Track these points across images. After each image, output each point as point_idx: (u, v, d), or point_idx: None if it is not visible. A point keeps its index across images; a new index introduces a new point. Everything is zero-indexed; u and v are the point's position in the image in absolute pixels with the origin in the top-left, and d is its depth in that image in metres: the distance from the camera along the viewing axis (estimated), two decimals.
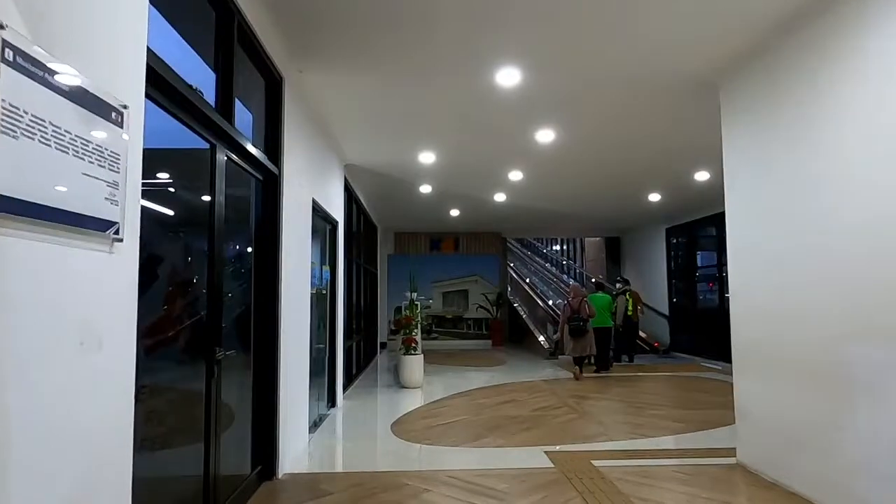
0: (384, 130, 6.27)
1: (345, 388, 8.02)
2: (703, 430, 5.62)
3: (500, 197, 10.22)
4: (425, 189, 9.67)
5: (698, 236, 12.51)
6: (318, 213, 6.01)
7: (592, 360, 10.10)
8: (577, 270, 20.34)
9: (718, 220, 11.33)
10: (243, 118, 4.10)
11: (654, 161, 7.60)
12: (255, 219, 4.13)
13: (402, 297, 15.95)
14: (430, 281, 16.00)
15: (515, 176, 8.43)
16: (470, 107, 5.45)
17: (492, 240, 16.24)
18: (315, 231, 6.64)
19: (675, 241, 13.41)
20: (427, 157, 7.29)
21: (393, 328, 15.82)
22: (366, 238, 11.36)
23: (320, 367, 6.57)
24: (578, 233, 18.16)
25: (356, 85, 4.92)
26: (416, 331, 8.88)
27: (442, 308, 16.07)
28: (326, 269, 6.69)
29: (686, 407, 6.78)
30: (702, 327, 12.04)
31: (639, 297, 11.95)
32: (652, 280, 13.92)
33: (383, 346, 15.51)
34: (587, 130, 6.27)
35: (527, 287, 17.56)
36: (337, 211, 6.93)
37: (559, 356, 11.97)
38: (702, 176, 8.43)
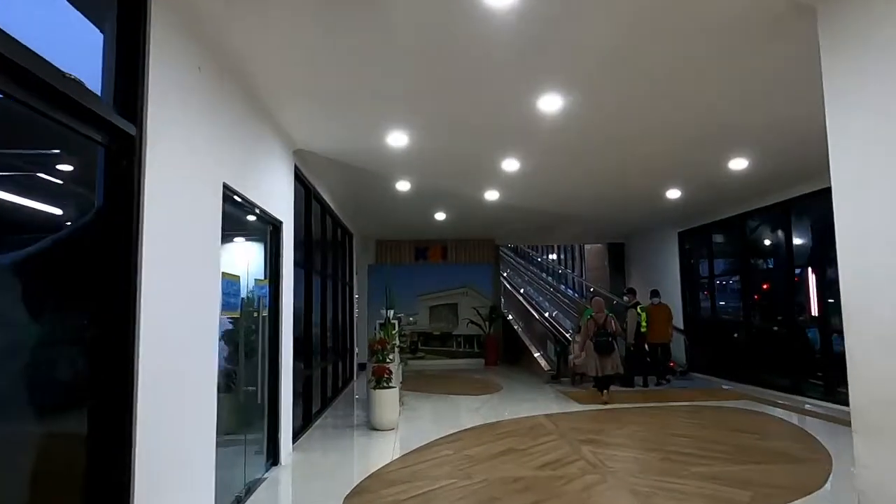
0: (336, 95, 4.70)
1: (299, 432, 6.37)
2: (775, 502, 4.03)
3: (491, 195, 8.66)
4: (403, 186, 8.10)
5: (717, 240, 11.00)
6: (243, 207, 4.40)
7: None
8: (576, 280, 18.80)
9: (742, 220, 9.84)
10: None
11: (685, 142, 6.07)
12: (98, 204, 2.54)
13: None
14: (415, 294, 14.42)
15: (510, 165, 6.87)
16: (448, 51, 3.89)
17: (483, 248, 14.68)
18: (246, 232, 5.05)
19: (688, 246, 11.90)
20: (398, 139, 5.72)
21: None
22: (336, 246, 9.76)
23: (253, 414, 4.93)
24: (578, 239, 16.63)
25: (282, 23, 3.35)
26: (391, 356, 7.26)
27: (429, 324, 14.46)
28: (264, 283, 5.08)
29: (737, 458, 5.20)
30: (723, 344, 10.50)
31: (670, 312, 10.41)
32: (662, 290, 12.31)
33: (362, 367, 13.86)
34: (606, 94, 4.73)
35: (522, 299, 15.98)
36: (280, 207, 5.33)
37: (562, 378, 10.39)
38: (737, 164, 6.91)
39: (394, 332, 7.82)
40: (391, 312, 8.36)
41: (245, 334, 4.54)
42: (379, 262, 14.44)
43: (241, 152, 4.22)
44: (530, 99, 4.71)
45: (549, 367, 10.65)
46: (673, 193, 8.70)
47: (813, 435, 6.04)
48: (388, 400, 6.75)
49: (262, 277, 5.13)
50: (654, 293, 10.65)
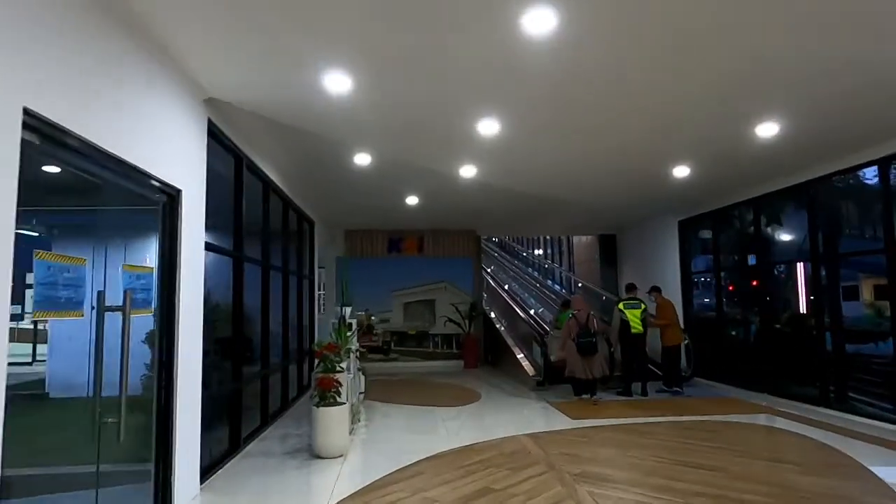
0: (247, 12, 3.34)
1: (221, 462, 5.03)
2: None
3: (467, 171, 7.34)
4: (362, 159, 6.77)
5: (726, 228, 9.80)
6: (96, 162, 3.03)
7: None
8: (564, 275, 17.58)
9: (755, 206, 8.64)
10: None
11: (705, 91, 4.79)
12: None
13: (355, 308, 13.00)
14: (388, 289, 13.09)
15: (488, 128, 5.56)
16: None
17: (464, 239, 13.36)
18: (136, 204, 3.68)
19: (692, 236, 10.70)
20: (338, 83, 4.37)
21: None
22: (289, 234, 8.38)
23: (127, 453, 3.57)
24: (567, 230, 15.36)
25: None
26: (342, 366, 5.92)
27: (403, 322, 13.13)
28: (147, 270, 3.71)
29: None
30: (733, 346, 9.31)
31: (671, 308, 9.25)
32: (660, 286, 11.16)
33: None
34: (608, 16, 3.43)
35: (506, 296, 14.72)
36: (176, 171, 3.96)
37: (548, 385, 9.12)
38: (766, 130, 5.66)
39: (349, 334, 6.47)
40: (348, 310, 7.02)
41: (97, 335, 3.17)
42: (349, 255, 13.07)
43: (82, 74, 2.85)
44: (510, 14, 3.39)
45: (534, 373, 9.37)
46: (680, 171, 7.43)
47: (862, 464, 4.83)
48: (334, 420, 5.41)
49: (144, 264, 3.76)
50: (656, 289, 9.43)
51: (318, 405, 5.39)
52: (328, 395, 5.45)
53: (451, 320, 12.87)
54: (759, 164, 7.08)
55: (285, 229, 8.13)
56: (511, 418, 7.12)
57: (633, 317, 8.61)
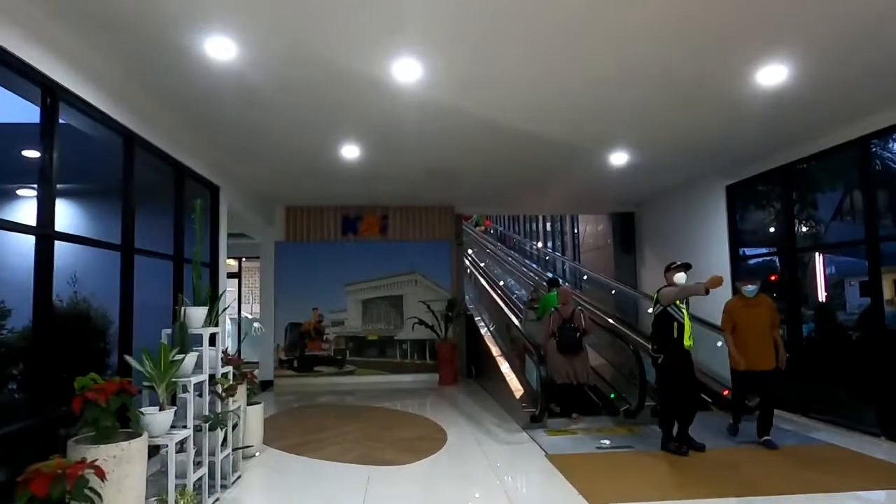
0: None
1: None
2: None
3: (413, 75, 4.37)
4: (222, 52, 3.84)
5: (807, 191, 6.88)
6: None
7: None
8: (569, 265, 14.67)
9: (862, 148, 5.71)
10: None
11: None
12: None
13: (300, 306, 10.11)
14: (341, 282, 10.17)
15: None
16: None
17: (439, 218, 10.43)
18: None
19: (748, 206, 7.79)
20: None
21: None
22: (153, 198, 5.46)
23: None
24: (571, 206, 12.34)
25: None
26: (151, 418, 3.00)
27: (361, 325, 10.20)
28: None
29: None
30: (818, 359, 6.38)
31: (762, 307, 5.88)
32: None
33: (268, 385, 9.64)
34: None
35: (494, 292, 11.76)
36: None
37: (549, 419, 6.20)
38: None
39: (174, 358, 3.52)
40: (197, 312, 4.04)
41: None
42: (290, 239, 10.14)
43: None
44: None
45: (525, 404, 6.40)
46: (772, 74, 4.48)
47: None
48: None
49: None
50: (751, 275, 6.42)
51: None
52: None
53: (421, 322, 9.93)
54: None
55: (155, 196, 5.22)
56: (489, 490, 4.21)
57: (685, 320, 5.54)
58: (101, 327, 5.00)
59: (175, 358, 3.45)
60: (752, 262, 7.63)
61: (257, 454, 5.30)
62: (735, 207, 7.78)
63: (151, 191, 5.84)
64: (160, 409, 3.40)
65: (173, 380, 3.46)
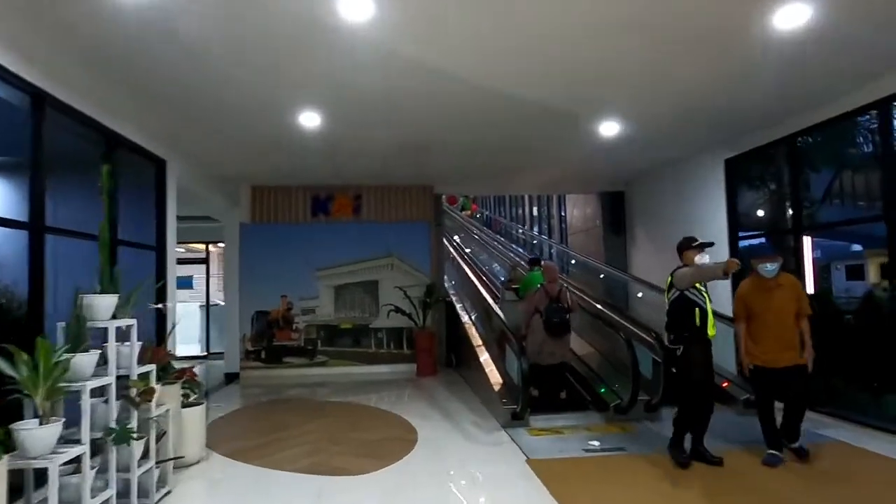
0: None
1: None
2: None
3: (359, 10, 3.65)
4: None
5: (817, 164, 6.27)
6: None
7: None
8: (556, 249, 14.06)
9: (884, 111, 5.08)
10: None
11: None
12: None
13: (268, 293, 9.41)
14: (311, 267, 9.47)
15: None
16: None
17: (417, 197, 9.74)
18: None
19: (750, 180, 7.19)
20: None
21: (251, 348, 9.26)
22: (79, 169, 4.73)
23: None
24: (555, 186, 11.63)
25: None
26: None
27: (334, 313, 9.53)
28: None
29: None
30: (833, 350, 5.80)
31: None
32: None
33: (233, 377, 9.01)
34: None
35: (478, 278, 11.09)
36: None
37: (532, 417, 5.59)
38: None
39: (58, 358, 2.82)
40: (85, 303, 3.32)
41: None
42: (256, 220, 9.41)
43: None
44: None
45: (505, 399, 5.77)
46: (792, 15, 3.81)
47: None
48: None
49: None
50: (769, 251, 5.81)
51: None
52: None
53: (397, 310, 9.26)
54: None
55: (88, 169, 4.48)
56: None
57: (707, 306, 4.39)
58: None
59: (61, 358, 2.76)
60: (751, 243, 7.03)
61: (200, 461, 4.64)
62: (735, 184, 7.16)
63: (82, 164, 5.11)
64: (41, 423, 2.72)
65: (60, 385, 2.77)
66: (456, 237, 16.23)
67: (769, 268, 4.27)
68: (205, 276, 12.25)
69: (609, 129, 6.43)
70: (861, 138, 5.93)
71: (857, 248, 6.59)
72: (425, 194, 9.74)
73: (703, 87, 5.14)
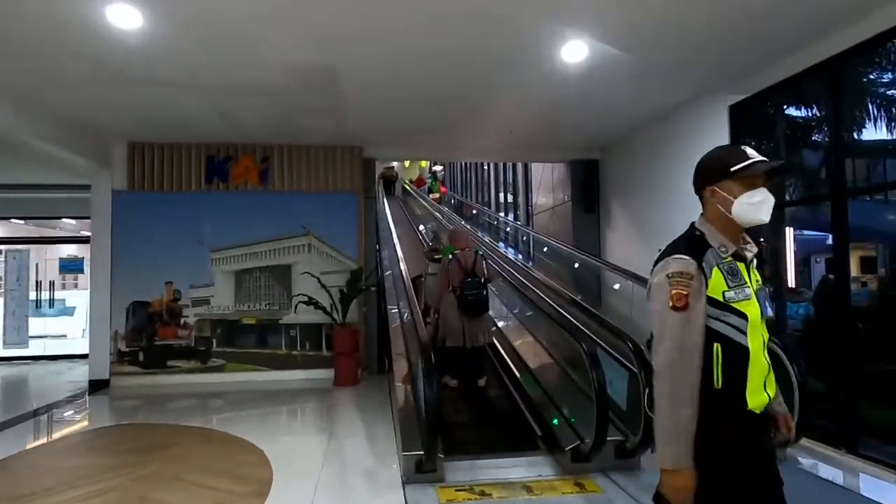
0: None
1: None
2: None
3: None
4: None
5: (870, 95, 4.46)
6: None
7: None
8: (520, 231, 12.23)
9: None
10: None
11: None
12: None
13: (148, 279, 7.39)
14: (207, 248, 7.49)
15: None
16: None
17: (342, 162, 7.78)
18: None
19: (763, 130, 5.39)
20: None
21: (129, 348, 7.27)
22: None
23: None
24: (515, 153, 9.70)
25: None
26: None
27: (234, 305, 7.56)
28: None
29: None
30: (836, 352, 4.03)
31: None
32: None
33: (101, 385, 7.03)
34: None
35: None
36: None
37: (441, 464, 3.71)
38: None
39: None
40: None
41: None
42: (135, 188, 7.38)
43: None
44: None
45: (408, 440, 3.87)
46: None
47: None
48: None
49: None
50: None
51: None
52: None
53: (309, 302, 7.28)
54: None
55: None
56: None
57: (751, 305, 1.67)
58: None
59: None
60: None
61: None
62: (742, 137, 5.34)
63: None
64: None
65: None
66: (422, 227, 14.47)
67: None
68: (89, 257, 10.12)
69: (574, 51, 4.55)
70: None
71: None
72: (353, 157, 7.78)
73: None
